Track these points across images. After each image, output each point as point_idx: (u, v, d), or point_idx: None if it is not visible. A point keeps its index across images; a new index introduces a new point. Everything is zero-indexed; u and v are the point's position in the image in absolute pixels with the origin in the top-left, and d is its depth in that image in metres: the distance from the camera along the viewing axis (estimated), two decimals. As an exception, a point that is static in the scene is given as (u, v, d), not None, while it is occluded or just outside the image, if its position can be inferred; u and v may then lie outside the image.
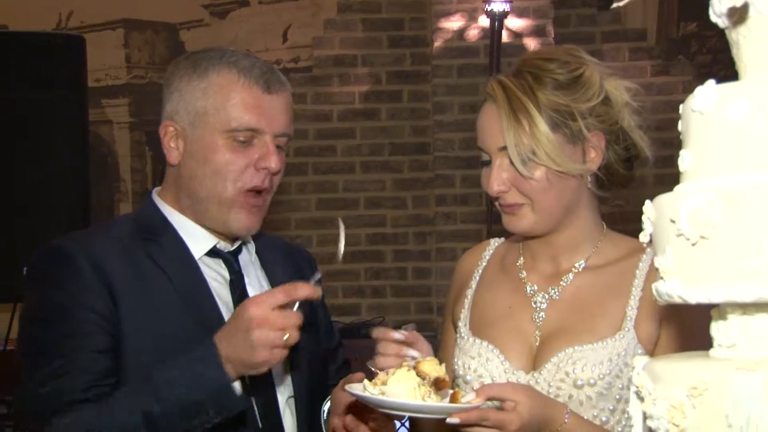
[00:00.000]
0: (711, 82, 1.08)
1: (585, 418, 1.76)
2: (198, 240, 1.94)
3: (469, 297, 2.01)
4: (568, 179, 1.83)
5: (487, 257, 2.06)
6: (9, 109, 3.91)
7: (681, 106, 1.13)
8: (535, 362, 1.85)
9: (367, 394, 1.66)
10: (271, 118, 1.88)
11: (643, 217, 1.13)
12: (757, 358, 1.05)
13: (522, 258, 1.98)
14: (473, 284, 2.02)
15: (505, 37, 4.97)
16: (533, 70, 1.83)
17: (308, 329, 2.05)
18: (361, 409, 1.80)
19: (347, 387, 1.71)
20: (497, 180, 1.84)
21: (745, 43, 1.09)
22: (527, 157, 1.79)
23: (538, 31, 5.18)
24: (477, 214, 5.14)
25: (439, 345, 2.12)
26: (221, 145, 1.86)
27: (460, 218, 5.22)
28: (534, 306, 1.91)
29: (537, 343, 1.87)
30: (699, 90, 1.08)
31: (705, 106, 1.07)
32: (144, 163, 5.58)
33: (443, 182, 5.24)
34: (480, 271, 2.04)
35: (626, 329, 1.81)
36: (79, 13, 5.59)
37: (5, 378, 4.25)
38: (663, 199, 1.10)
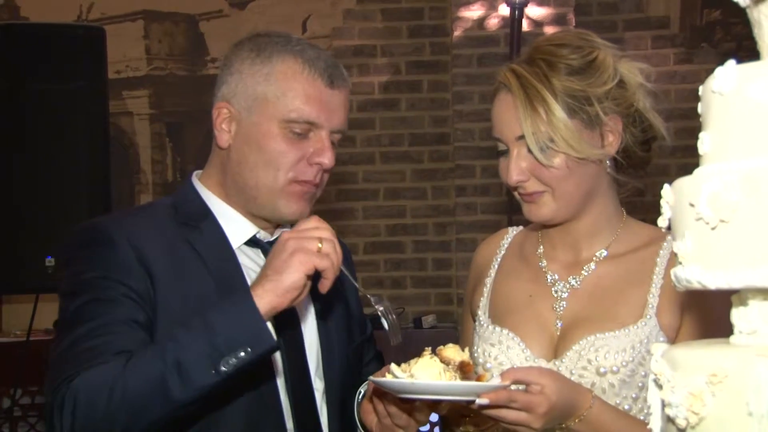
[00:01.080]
0: (731, 62, 1.05)
1: (611, 404, 1.73)
2: (238, 228, 1.90)
3: (488, 286, 1.99)
4: (588, 165, 1.81)
5: (505, 246, 2.04)
6: (30, 101, 3.91)
7: (701, 88, 1.10)
8: (556, 350, 1.83)
9: (392, 380, 1.62)
10: (330, 113, 1.85)
11: (662, 201, 1.11)
12: (779, 344, 1.02)
13: (541, 246, 1.97)
14: (492, 273, 2.01)
15: (525, 25, 4.93)
16: (546, 56, 1.81)
17: (343, 320, 2.03)
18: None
19: (370, 378, 1.69)
20: (516, 170, 1.82)
21: (766, 22, 1.06)
22: (545, 145, 1.78)
23: (558, 20, 5.14)
24: (497, 205, 5.11)
25: (460, 336, 2.11)
26: (277, 134, 1.83)
27: (481, 209, 5.20)
28: (554, 295, 1.89)
29: (558, 332, 1.85)
30: (719, 70, 1.05)
31: (725, 87, 1.04)
32: (164, 155, 5.58)
33: (463, 172, 5.21)
34: (498, 259, 2.02)
35: (648, 317, 1.80)
36: (99, 4, 5.61)
37: (29, 368, 4.30)
38: (682, 182, 1.07)
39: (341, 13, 5.54)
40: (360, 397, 1.91)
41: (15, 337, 4.86)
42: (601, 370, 1.76)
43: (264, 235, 1.94)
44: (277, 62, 1.85)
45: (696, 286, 1.05)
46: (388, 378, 1.64)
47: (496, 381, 1.65)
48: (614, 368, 1.76)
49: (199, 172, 1.99)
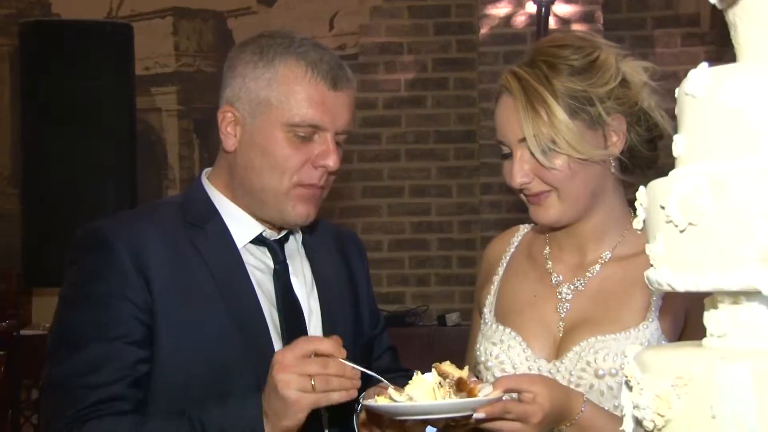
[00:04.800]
0: (704, 65, 1.05)
1: (603, 407, 1.73)
2: (244, 227, 1.91)
3: (496, 284, 1.99)
4: (592, 166, 1.80)
5: (516, 243, 2.04)
6: (58, 97, 3.98)
7: (677, 90, 1.10)
8: (558, 352, 1.83)
9: (384, 404, 1.63)
10: (334, 115, 1.83)
11: (636, 203, 1.11)
12: (745, 348, 1.02)
13: (548, 248, 1.96)
14: (500, 271, 2.01)
15: (552, 23, 4.92)
16: (547, 58, 1.80)
17: (351, 315, 2.04)
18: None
19: (363, 402, 1.70)
20: (520, 172, 1.81)
21: (741, 25, 1.06)
22: (547, 147, 1.77)
23: (586, 17, 5.11)
24: (523, 203, 5.07)
25: (470, 333, 2.10)
26: (281, 138, 1.82)
27: (506, 207, 5.19)
28: (559, 296, 1.89)
29: (560, 333, 1.85)
30: (692, 73, 1.05)
31: (697, 90, 1.04)
32: (192, 151, 5.65)
33: (489, 170, 5.20)
34: (508, 257, 2.02)
35: (650, 320, 1.78)
36: (129, 1, 5.69)
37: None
38: (655, 185, 1.07)
39: (368, 10, 5.56)
40: (359, 408, 1.91)
41: (44, 330, 4.95)
42: (600, 372, 1.75)
43: (270, 234, 1.95)
44: (279, 66, 1.84)
45: (666, 288, 1.05)
46: (380, 402, 1.64)
47: (488, 389, 1.65)
48: (613, 371, 1.75)
49: (209, 170, 1.99)
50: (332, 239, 2.09)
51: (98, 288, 1.78)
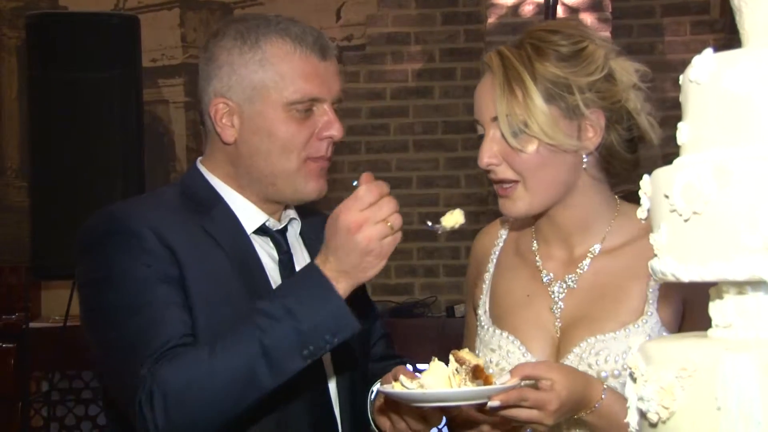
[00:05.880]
0: (708, 51, 1.03)
1: (622, 394, 1.70)
2: (247, 216, 1.89)
3: (487, 282, 1.95)
4: (563, 156, 1.75)
5: (503, 236, 1.99)
6: (65, 89, 3.98)
7: (681, 77, 1.08)
8: (558, 353, 1.80)
9: (402, 390, 1.61)
10: (329, 85, 1.85)
11: (640, 192, 1.09)
12: (750, 338, 1.00)
13: (536, 242, 1.92)
14: (491, 268, 1.97)
15: (560, 12, 4.87)
16: (534, 41, 1.76)
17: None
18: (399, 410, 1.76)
19: (379, 388, 1.68)
20: (488, 152, 1.76)
21: (746, 9, 1.04)
22: (519, 129, 1.72)
23: (594, 5, 5.06)
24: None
25: (465, 331, 2.08)
26: (283, 118, 1.82)
27: (514, 197, 5.16)
28: (552, 295, 1.85)
29: (558, 334, 1.82)
30: (696, 59, 1.03)
31: (702, 76, 1.02)
32: (199, 142, 5.59)
33: (497, 161, 5.17)
34: (496, 253, 1.98)
35: (649, 313, 1.75)
36: (136, -7, 5.68)
37: (66, 353, 4.39)
38: (659, 173, 1.06)
39: (375, 0, 5.53)
40: (372, 396, 1.89)
41: (54, 322, 4.96)
42: (602, 374, 1.71)
43: (273, 224, 1.94)
44: (266, 46, 1.83)
45: (670, 278, 1.03)
46: (396, 388, 1.63)
47: (505, 377, 1.63)
48: (615, 372, 1.71)
49: (203, 159, 1.97)
50: (323, 229, 2.10)
51: (129, 266, 1.74)
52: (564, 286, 1.85)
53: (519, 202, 1.79)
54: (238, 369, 1.63)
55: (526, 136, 1.73)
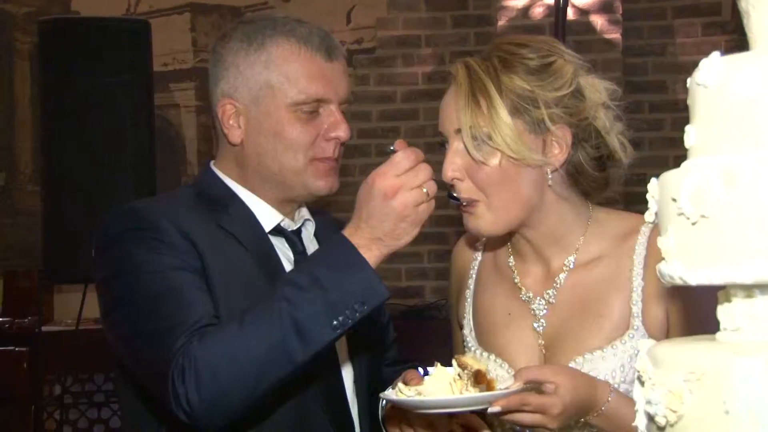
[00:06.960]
0: (716, 54, 1.03)
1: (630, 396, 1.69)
2: (263, 216, 1.91)
3: (469, 299, 1.93)
4: (526, 171, 1.72)
5: (481, 249, 1.96)
6: (76, 94, 3.99)
7: (688, 80, 1.08)
8: None
9: (400, 397, 1.61)
10: (335, 85, 1.86)
11: (648, 196, 1.09)
12: (759, 342, 1.00)
13: (512, 257, 1.89)
14: (471, 284, 1.94)
15: (570, 14, 4.87)
16: (502, 54, 1.73)
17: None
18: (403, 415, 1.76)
19: (382, 395, 1.68)
20: (451, 165, 1.72)
21: (754, 12, 1.03)
22: (482, 141, 1.69)
23: (605, 8, 5.06)
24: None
25: (453, 342, 2.04)
26: (289, 118, 1.84)
27: (525, 200, 5.15)
28: (533, 313, 1.83)
29: (544, 352, 1.80)
30: (704, 62, 1.03)
31: (709, 79, 1.02)
32: (211, 147, 5.65)
33: (508, 163, 5.16)
34: (475, 267, 1.95)
35: (635, 327, 1.73)
36: (147, -3, 5.71)
37: (79, 356, 4.41)
38: (666, 176, 1.05)
39: (385, 3, 5.53)
40: (384, 402, 1.90)
41: (66, 326, 4.98)
42: None
43: (288, 224, 1.95)
44: (272, 47, 1.84)
45: (678, 282, 1.03)
46: (398, 395, 1.63)
47: (508, 382, 1.63)
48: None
49: (215, 161, 1.98)
50: (335, 230, 2.10)
51: (153, 257, 1.75)
52: (543, 302, 1.83)
53: (481, 220, 1.75)
54: (269, 342, 1.61)
55: (490, 148, 1.70)
